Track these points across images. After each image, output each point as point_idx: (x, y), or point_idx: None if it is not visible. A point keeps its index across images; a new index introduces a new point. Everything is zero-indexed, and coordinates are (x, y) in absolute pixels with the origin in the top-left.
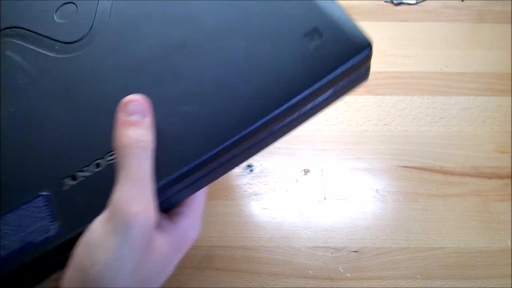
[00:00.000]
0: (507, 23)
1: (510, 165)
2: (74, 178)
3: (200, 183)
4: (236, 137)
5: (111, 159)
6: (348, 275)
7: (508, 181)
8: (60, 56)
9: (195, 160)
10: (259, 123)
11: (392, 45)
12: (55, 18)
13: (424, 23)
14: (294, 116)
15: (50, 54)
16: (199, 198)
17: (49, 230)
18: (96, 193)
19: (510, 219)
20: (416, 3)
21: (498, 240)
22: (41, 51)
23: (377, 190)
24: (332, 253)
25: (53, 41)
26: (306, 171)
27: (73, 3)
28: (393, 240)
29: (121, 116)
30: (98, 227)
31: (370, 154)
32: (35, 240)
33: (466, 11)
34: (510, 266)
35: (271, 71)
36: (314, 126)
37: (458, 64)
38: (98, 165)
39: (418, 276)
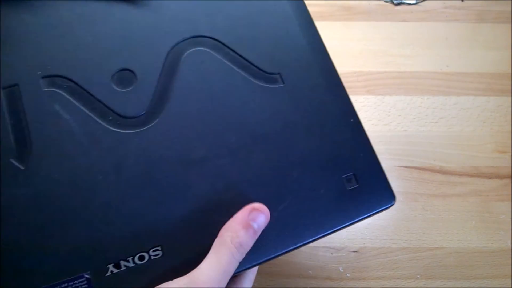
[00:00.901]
0: (507, 23)
1: (510, 165)
2: (117, 266)
3: None
4: (260, 261)
5: (155, 255)
6: (348, 275)
7: (508, 181)
8: (114, 129)
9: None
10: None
11: (392, 45)
12: (112, 83)
13: (424, 23)
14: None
15: (103, 123)
16: (245, 276)
17: None
18: (135, 285)
19: (510, 219)
20: (416, 3)
21: (498, 240)
22: (93, 116)
23: None
24: (332, 253)
25: (107, 109)
26: None
27: (132, 72)
28: (393, 240)
29: (245, 216)
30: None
31: None
32: None
33: (466, 11)
34: (510, 266)
35: (310, 202)
36: None
37: (458, 64)
38: (141, 258)
39: (418, 276)
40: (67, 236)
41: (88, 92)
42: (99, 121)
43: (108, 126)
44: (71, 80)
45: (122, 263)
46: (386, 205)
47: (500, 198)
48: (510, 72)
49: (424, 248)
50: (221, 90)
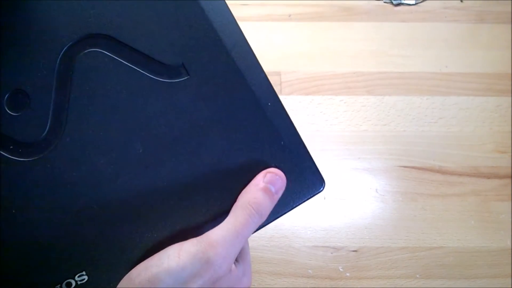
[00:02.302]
0: (507, 23)
1: (510, 165)
2: None
3: None
4: None
5: (81, 280)
6: (347, 274)
7: (507, 181)
8: (16, 158)
9: None
10: None
11: (391, 45)
12: (5, 108)
13: (424, 24)
14: None
15: (5, 154)
16: (247, 247)
17: None
18: None
19: (510, 219)
20: (416, 3)
21: (497, 240)
22: None
23: (376, 190)
24: (331, 253)
25: (6, 137)
26: None
27: (24, 91)
28: (393, 240)
29: (260, 180)
30: (186, 246)
31: (369, 154)
32: None
33: (465, 12)
34: (510, 266)
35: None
36: (314, 126)
37: (457, 64)
38: (68, 285)
39: (418, 276)
40: None
41: None
42: (1, 152)
43: (10, 156)
44: None
45: None
46: (316, 191)
47: (499, 198)
48: (510, 72)
49: (424, 248)
50: (121, 94)
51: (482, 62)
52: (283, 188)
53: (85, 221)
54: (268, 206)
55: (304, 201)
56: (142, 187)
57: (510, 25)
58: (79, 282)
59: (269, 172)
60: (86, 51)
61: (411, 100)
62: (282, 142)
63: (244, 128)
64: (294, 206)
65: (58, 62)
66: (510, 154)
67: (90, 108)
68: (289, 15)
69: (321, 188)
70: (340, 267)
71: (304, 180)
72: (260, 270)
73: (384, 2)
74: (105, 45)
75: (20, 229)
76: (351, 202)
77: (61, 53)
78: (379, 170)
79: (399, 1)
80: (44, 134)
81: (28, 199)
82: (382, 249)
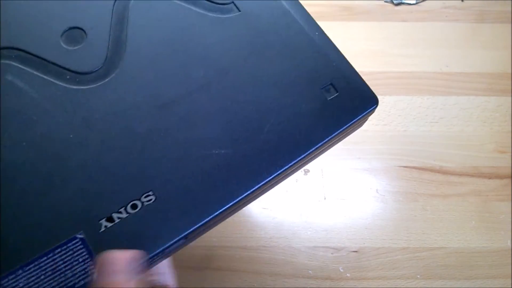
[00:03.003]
0: (507, 23)
1: (510, 165)
2: (110, 220)
3: (212, 224)
4: (260, 183)
5: (148, 200)
6: (348, 275)
7: (508, 181)
8: (75, 87)
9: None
10: (285, 167)
11: (392, 45)
12: (62, 44)
13: (424, 23)
14: (307, 159)
15: (62, 83)
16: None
17: (89, 274)
18: (133, 235)
19: (510, 219)
20: (416, 3)
21: (498, 240)
22: (50, 79)
23: (377, 190)
24: (332, 253)
25: (63, 69)
26: (306, 171)
27: (81, 28)
28: (393, 240)
29: (97, 280)
30: None
31: (370, 154)
32: (76, 285)
33: (466, 11)
34: (510, 266)
35: (294, 118)
36: None
37: (458, 64)
38: (134, 206)
39: (418, 276)
40: (51, 201)
41: (40, 57)
42: (58, 82)
43: (67, 85)
44: (19, 49)
45: (115, 215)
46: (371, 107)
47: (500, 198)
48: (510, 72)
49: (424, 248)
50: (176, 29)
51: (483, 62)
52: (136, 258)
53: (149, 142)
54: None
55: (359, 118)
56: (205, 107)
57: (510, 25)
58: (145, 203)
59: (98, 264)
60: None
61: (412, 100)
62: (334, 63)
63: (299, 54)
64: (349, 122)
65: (114, 1)
66: (510, 154)
67: (147, 41)
68: None
69: (375, 105)
70: (340, 268)
71: (358, 97)
72: (260, 271)
73: (385, 1)
74: None
75: (81, 153)
76: (352, 202)
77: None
78: (379, 170)
79: (400, 1)
80: (102, 64)
81: (88, 124)
82: (383, 249)
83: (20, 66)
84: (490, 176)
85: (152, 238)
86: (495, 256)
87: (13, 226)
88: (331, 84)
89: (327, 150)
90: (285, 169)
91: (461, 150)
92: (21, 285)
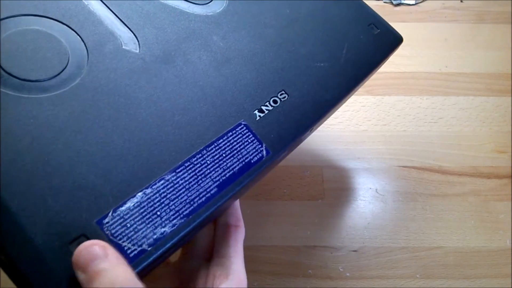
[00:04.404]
0: (506, 23)
1: (509, 165)
2: (261, 111)
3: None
4: (352, 87)
5: (283, 97)
6: (347, 274)
7: (507, 181)
8: (202, 14)
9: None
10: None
11: None
12: None
13: (424, 24)
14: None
15: (191, 12)
16: (240, 243)
17: (261, 151)
18: (281, 123)
19: (509, 219)
20: (416, 3)
21: (497, 240)
22: (180, 8)
23: (376, 190)
24: (331, 253)
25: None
26: (306, 171)
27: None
28: (393, 240)
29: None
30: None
31: (369, 154)
32: (252, 160)
33: (465, 12)
34: (509, 266)
35: (358, 46)
36: None
37: (457, 64)
38: (275, 102)
39: (417, 276)
40: (217, 97)
41: None
42: (185, 10)
43: (194, 13)
44: None
45: (263, 108)
46: (399, 42)
47: (499, 198)
48: (509, 72)
49: (423, 248)
50: None
51: (482, 62)
52: (107, 247)
53: (276, 55)
54: (116, 274)
55: (392, 50)
56: (307, 34)
57: (509, 25)
58: (282, 99)
59: (76, 257)
60: None
61: (411, 100)
62: (367, 10)
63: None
64: (387, 52)
65: None
66: (509, 154)
67: None
68: None
69: (401, 40)
70: (340, 267)
71: (390, 34)
72: (259, 270)
73: (384, 2)
74: None
75: (235, 62)
76: (351, 202)
77: None
78: (379, 170)
79: (399, 1)
80: None
81: (229, 43)
82: (382, 249)
83: None
84: (489, 176)
85: (294, 124)
86: (494, 255)
87: (195, 116)
88: (373, 23)
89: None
90: (346, 93)
91: (460, 150)
92: (208, 161)
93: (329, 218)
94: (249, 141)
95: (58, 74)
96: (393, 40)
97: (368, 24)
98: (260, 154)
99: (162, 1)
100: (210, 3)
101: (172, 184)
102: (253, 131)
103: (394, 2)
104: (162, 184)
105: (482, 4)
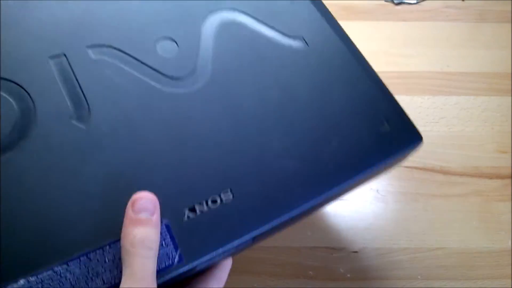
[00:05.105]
0: (508, 22)
1: (511, 165)
2: (192, 210)
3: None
4: (321, 195)
5: (227, 198)
6: (348, 275)
7: (509, 181)
8: (166, 89)
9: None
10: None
11: (392, 45)
12: (157, 50)
13: (425, 23)
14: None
15: (155, 84)
16: (222, 270)
17: (172, 258)
18: (212, 228)
19: (511, 219)
20: (417, 2)
21: (499, 241)
22: (144, 79)
23: (377, 190)
24: (332, 254)
25: (156, 73)
26: None
27: (174, 40)
28: (394, 241)
29: (130, 213)
30: None
31: None
32: (160, 266)
33: (466, 11)
34: (510, 267)
35: (352, 143)
36: None
37: (458, 63)
38: (214, 202)
39: (419, 277)
40: (141, 186)
41: (136, 59)
42: (152, 83)
43: (159, 87)
44: (118, 49)
45: (197, 207)
46: (417, 142)
47: (501, 198)
48: (511, 71)
49: (425, 249)
50: (255, 55)
51: (484, 62)
52: (157, 205)
53: (233, 145)
54: (152, 233)
55: (406, 152)
56: (278, 123)
57: (511, 24)
58: (224, 200)
59: (135, 201)
60: (225, 19)
61: (412, 99)
62: (386, 101)
63: (357, 89)
64: (392, 155)
65: (204, 20)
66: (511, 154)
67: (231, 59)
68: None
69: (420, 140)
70: (340, 268)
71: (406, 133)
72: (260, 271)
73: (385, 1)
74: (239, 16)
75: (172, 149)
76: (352, 202)
77: (208, 15)
78: None
79: (400, 0)
80: (191, 74)
81: (179, 124)
82: (383, 250)
83: (118, 64)
84: (491, 176)
85: (226, 233)
86: (496, 256)
87: (113, 206)
88: (385, 118)
89: (373, 178)
90: (335, 189)
91: (462, 150)
92: (107, 259)
93: (330, 218)
94: (164, 243)
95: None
96: (407, 141)
97: (377, 119)
98: (169, 261)
99: (136, 73)
100: (186, 79)
101: (58, 277)
102: (173, 234)
103: (395, 1)
104: (48, 275)
105: (484, 3)
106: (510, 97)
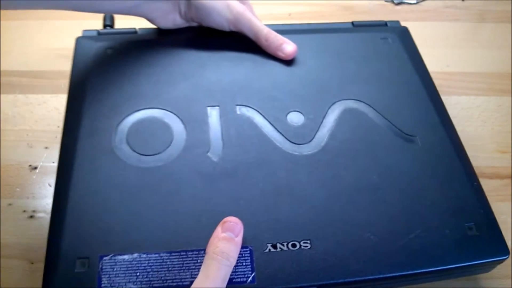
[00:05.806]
0: (508, 22)
1: (511, 165)
2: (274, 246)
3: None
4: (392, 273)
5: (305, 246)
6: None
7: (508, 181)
8: (285, 150)
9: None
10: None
11: None
12: (286, 119)
13: (425, 23)
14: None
15: (278, 145)
16: None
17: (247, 277)
18: (285, 267)
19: (510, 220)
20: (417, 2)
21: None
22: (271, 139)
23: None
24: None
25: (282, 136)
26: None
27: (302, 113)
28: None
29: (218, 230)
30: None
31: None
32: (236, 279)
33: (466, 11)
34: (510, 267)
35: (435, 239)
36: None
37: (458, 63)
38: (294, 245)
39: None
40: (239, 215)
41: (269, 121)
42: (276, 143)
43: (280, 146)
44: (258, 111)
45: (278, 245)
46: (502, 256)
47: (500, 198)
48: (511, 72)
49: None
50: (367, 139)
51: (484, 62)
52: (241, 230)
53: (320, 209)
54: (232, 249)
55: (488, 262)
56: (371, 203)
57: (510, 25)
58: (302, 247)
59: (225, 222)
60: (350, 106)
61: None
62: (482, 211)
63: (458, 191)
64: (470, 261)
65: (332, 103)
66: (511, 154)
67: (345, 137)
68: (289, 14)
69: (507, 255)
70: None
71: (492, 243)
72: None
73: (385, 1)
74: (363, 107)
75: (282, 198)
76: None
77: (335, 101)
78: None
79: (400, 0)
80: (310, 142)
81: (290, 178)
82: None
83: (254, 122)
84: (490, 176)
85: (296, 275)
86: None
87: (215, 224)
88: (475, 224)
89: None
90: (411, 275)
91: None
92: (200, 260)
93: None
94: (244, 263)
95: (159, 153)
96: (492, 252)
97: (467, 222)
98: (244, 278)
99: (264, 131)
100: (302, 146)
101: (161, 261)
102: (253, 258)
103: (395, 1)
104: (154, 257)
105: (484, 3)
106: (510, 97)
